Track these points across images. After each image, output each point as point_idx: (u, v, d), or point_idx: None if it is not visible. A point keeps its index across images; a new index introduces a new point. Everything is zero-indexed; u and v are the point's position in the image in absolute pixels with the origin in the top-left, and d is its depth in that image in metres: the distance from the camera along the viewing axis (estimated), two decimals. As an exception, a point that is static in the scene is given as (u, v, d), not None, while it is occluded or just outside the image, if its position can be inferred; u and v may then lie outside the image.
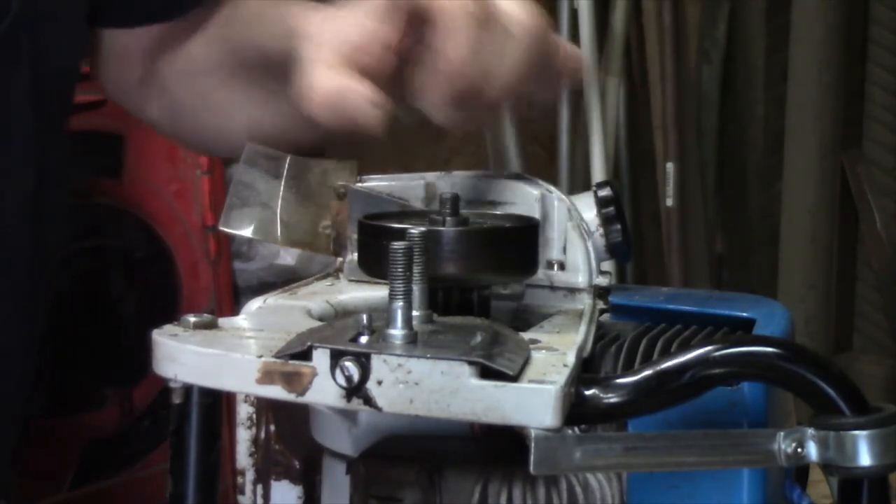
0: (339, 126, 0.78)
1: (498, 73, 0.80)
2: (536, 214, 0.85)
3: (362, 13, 0.81)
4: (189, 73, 1.10)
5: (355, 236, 0.83)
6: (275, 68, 0.95)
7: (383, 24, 0.80)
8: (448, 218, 0.78)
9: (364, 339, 0.65)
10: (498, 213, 0.85)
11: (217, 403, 0.73)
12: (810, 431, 0.66)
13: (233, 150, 1.08)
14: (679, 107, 2.74)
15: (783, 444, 0.66)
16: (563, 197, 0.86)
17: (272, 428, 0.85)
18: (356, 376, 0.63)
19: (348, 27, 0.81)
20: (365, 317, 0.65)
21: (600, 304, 0.86)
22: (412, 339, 0.65)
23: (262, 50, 0.99)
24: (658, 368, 0.66)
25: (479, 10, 0.79)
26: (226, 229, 0.90)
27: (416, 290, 0.68)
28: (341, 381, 0.63)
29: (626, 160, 2.80)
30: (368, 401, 0.63)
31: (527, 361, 0.65)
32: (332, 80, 0.78)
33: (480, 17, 0.79)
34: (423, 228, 0.72)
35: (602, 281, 0.86)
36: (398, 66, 0.81)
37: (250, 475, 0.85)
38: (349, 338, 0.65)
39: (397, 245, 0.67)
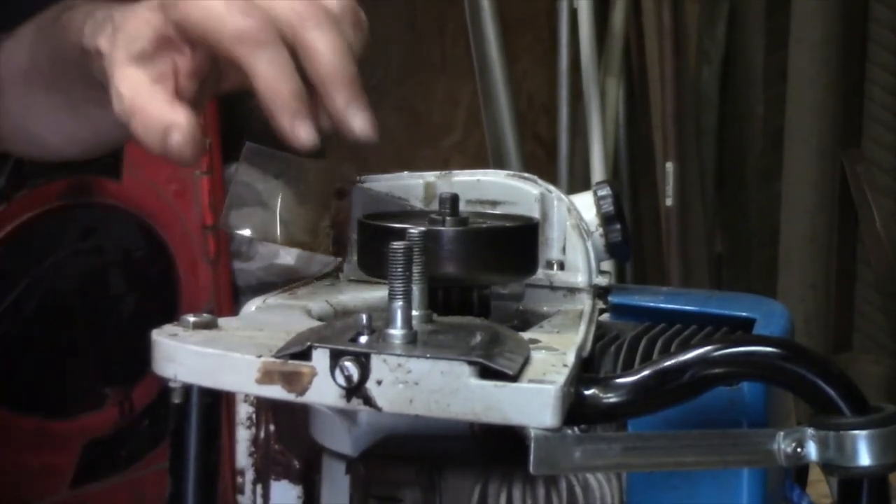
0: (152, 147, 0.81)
1: (323, 71, 0.79)
2: (536, 214, 0.85)
3: (144, 20, 0.82)
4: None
5: (355, 236, 0.83)
6: (73, 79, 0.96)
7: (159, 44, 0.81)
8: (447, 218, 0.78)
9: (364, 339, 0.65)
10: (497, 212, 0.85)
11: (216, 403, 0.73)
12: (810, 431, 0.66)
13: (45, 150, 1.10)
14: (678, 106, 2.74)
15: (783, 444, 0.66)
16: (563, 196, 0.86)
17: (272, 428, 0.85)
18: (356, 376, 0.63)
19: (135, 32, 0.82)
20: (364, 316, 0.65)
21: (600, 304, 0.86)
22: (412, 339, 0.65)
23: (59, 63, 0.99)
24: (658, 368, 0.66)
25: (259, 28, 0.78)
26: (226, 229, 0.90)
27: (416, 289, 0.68)
28: (341, 380, 0.63)
29: (625, 160, 2.80)
30: (368, 400, 0.63)
31: (526, 361, 0.65)
32: (143, 105, 0.80)
33: (264, 36, 0.78)
34: (422, 228, 0.72)
35: (602, 280, 0.86)
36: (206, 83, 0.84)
37: (250, 475, 0.85)
38: (349, 337, 0.65)
39: (397, 245, 0.67)
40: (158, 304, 2.11)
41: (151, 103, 0.81)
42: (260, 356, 0.65)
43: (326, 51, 0.79)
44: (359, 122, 0.80)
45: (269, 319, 0.76)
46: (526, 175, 0.87)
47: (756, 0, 2.97)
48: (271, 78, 0.79)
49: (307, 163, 0.90)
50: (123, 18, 0.86)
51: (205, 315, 0.72)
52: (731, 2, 3.00)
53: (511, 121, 2.61)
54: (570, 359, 0.66)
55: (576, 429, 0.67)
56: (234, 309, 1.97)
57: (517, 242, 0.80)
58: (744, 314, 0.85)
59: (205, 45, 0.80)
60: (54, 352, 2.01)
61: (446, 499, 0.75)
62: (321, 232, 0.89)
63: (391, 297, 0.65)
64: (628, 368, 0.74)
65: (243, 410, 0.85)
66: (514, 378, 0.63)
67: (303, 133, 0.80)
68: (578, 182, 2.64)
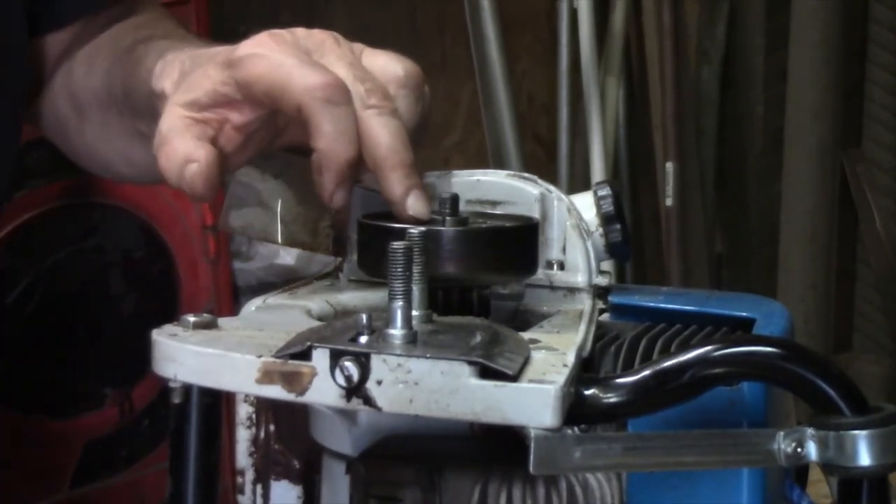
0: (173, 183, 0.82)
1: (381, 156, 0.80)
2: (536, 214, 0.85)
3: (213, 79, 0.82)
4: (73, 95, 1.12)
5: (355, 236, 0.83)
6: (141, 112, 0.98)
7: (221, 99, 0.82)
8: (447, 218, 0.78)
9: (364, 339, 0.65)
10: (497, 212, 0.85)
11: (217, 403, 0.73)
12: (810, 431, 0.66)
13: (112, 173, 1.13)
14: (678, 106, 2.74)
15: (783, 444, 0.66)
16: (563, 196, 0.86)
17: (272, 428, 0.85)
18: (356, 376, 0.63)
19: (195, 83, 0.83)
20: (364, 316, 0.65)
21: (600, 304, 0.86)
22: (412, 339, 0.65)
23: (131, 95, 1.00)
24: (658, 368, 0.66)
25: (333, 86, 0.78)
26: (225, 229, 0.90)
27: (416, 289, 0.68)
28: (341, 380, 0.63)
29: (625, 160, 2.80)
30: (368, 400, 0.63)
31: (526, 361, 0.65)
32: (173, 139, 0.81)
33: (335, 96, 0.78)
34: (422, 228, 0.72)
35: (602, 280, 0.86)
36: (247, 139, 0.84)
37: (250, 475, 0.85)
38: (349, 338, 0.65)
39: (397, 245, 0.67)
40: (158, 304, 2.11)
41: (180, 138, 0.81)
42: (260, 356, 0.65)
43: (386, 135, 0.80)
44: (412, 203, 0.80)
45: (269, 319, 0.76)
46: (526, 175, 0.87)
47: (756, 0, 2.98)
48: (332, 138, 0.79)
49: (307, 163, 0.90)
50: (192, 69, 0.87)
51: (205, 315, 0.72)
52: (731, 2, 3.00)
53: (511, 121, 2.62)
54: (570, 359, 0.66)
55: (576, 429, 0.67)
56: (234, 309, 1.98)
57: (517, 242, 0.80)
58: (744, 314, 0.85)
59: (269, 100, 0.80)
60: (54, 352, 2.01)
61: (446, 499, 0.75)
62: (321, 232, 0.89)
63: (391, 297, 0.65)
64: (628, 368, 0.74)
65: (243, 410, 0.85)
66: (514, 378, 0.63)
67: (339, 198, 0.81)
68: (578, 182, 2.64)
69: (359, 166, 0.80)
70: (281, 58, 0.80)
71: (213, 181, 0.81)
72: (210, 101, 0.82)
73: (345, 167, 0.79)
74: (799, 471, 0.82)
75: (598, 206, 0.88)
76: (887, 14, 3.01)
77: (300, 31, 0.84)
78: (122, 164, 1.11)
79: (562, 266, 0.86)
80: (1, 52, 1.09)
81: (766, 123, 3.02)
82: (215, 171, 0.81)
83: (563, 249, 0.86)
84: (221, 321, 0.73)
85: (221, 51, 0.85)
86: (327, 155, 0.79)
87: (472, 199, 0.86)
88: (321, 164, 0.80)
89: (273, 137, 0.88)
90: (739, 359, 0.67)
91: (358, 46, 0.85)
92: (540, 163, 2.89)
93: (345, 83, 0.80)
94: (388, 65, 0.84)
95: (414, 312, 0.67)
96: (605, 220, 0.88)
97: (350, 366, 0.63)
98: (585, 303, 0.84)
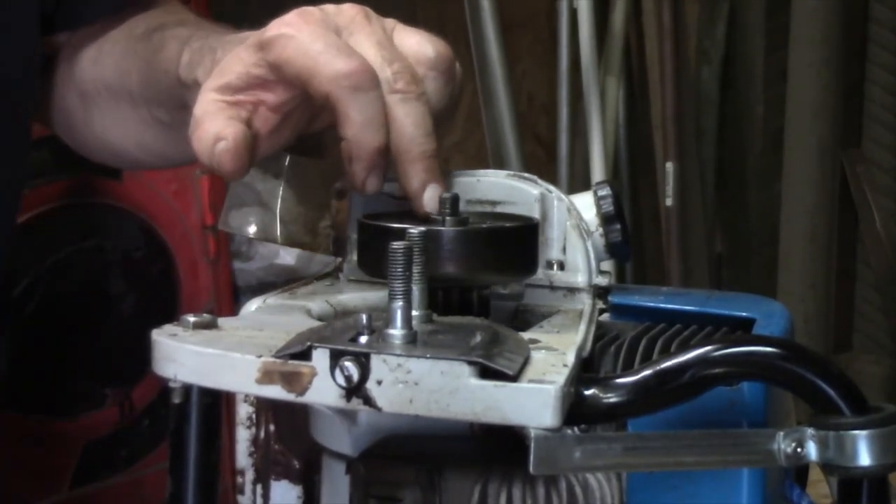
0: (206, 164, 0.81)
1: (403, 145, 0.79)
2: (536, 214, 0.85)
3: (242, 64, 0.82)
4: (78, 84, 1.12)
5: (355, 236, 0.83)
6: (161, 101, 0.97)
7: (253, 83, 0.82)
8: (447, 218, 0.78)
9: (364, 339, 0.65)
10: (497, 212, 0.85)
11: (216, 403, 0.73)
12: (810, 431, 0.66)
13: (125, 161, 1.13)
14: (678, 106, 2.74)
15: (783, 444, 0.66)
16: (563, 196, 0.86)
17: (272, 428, 0.85)
18: (356, 376, 0.63)
19: (227, 67, 0.82)
20: (364, 316, 0.65)
21: (600, 304, 0.86)
22: (412, 339, 0.65)
23: (150, 84, 1.00)
24: (658, 368, 0.66)
25: (359, 73, 0.78)
26: (225, 229, 0.90)
27: (416, 289, 0.68)
28: (341, 380, 0.63)
29: (625, 160, 2.80)
30: (368, 401, 0.63)
31: (526, 361, 0.65)
32: (205, 121, 0.81)
33: (363, 82, 0.78)
34: (422, 228, 0.72)
35: (602, 280, 0.86)
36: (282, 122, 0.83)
37: (250, 475, 0.85)
38: (349, 338, 0.65)
39: (397, 245, 0.67)
40: (158, 304, 2.11)
41: (212, 119, 0.81)
42: (260, 356, 0.65)
43: (409, 124, 0.79)
44: (428, 199, 0.80)
45: (269, 319, 0.76)
46: (526, 175, 0.87)
47: (756, 0, 2.98)
48: (360, 126, 0.78)
49: (307, 163, 0.90)
50: (224, 54, 0.87)
51: (205, 315, 0.72)
52: (731, 2, 3.00)
53: (511, 121, 2.61)
54: (570, 359, 0.66)
55: (576, 429, 0.67)
56: (234, 309, 1.97)
57: (517, 242, 0.80)
58: (744, 314, 0.85)
59: (299, 83, 0.80)
60: (54, 352, 2.01)
61: (446, 499, 0.75)
62: (321, 232, 0.89)
63: (391, 297, 0.65)
64: (628, 368, 0.74)
65: (243, 410, 0.85)
66: (514, 378, 0.63)
67: (371, 185, 0.80)
68: (578, 182, 2.64)
69: (389, 152, 0.80)
70: (308, 41, 0.79)
71: (241, 158, 0.80)
72: (243, 84, 0.82)
73: (375, 155, 0.79)
74: (799, 471, 0.82)
75: (598, 206, 0.88)
76: (887, 14, 3.01)
77: (330, 8, 0.83)
78: (135, 151, 1.10)
79: (562, 266, 0.86)
80: (12, 57, 1.09)
81: (766, 123, 3.02)
82: (243, 148, 0.80)
83: (563, 249, 0.86)
84: (221, 321, 0.73)
85: (251, 33, 0.85)
86: (357, 143, 0.79)
87: (472, 199, 0.86)
88: (351, 152, 0.79)
89: (311, 118, 0.87)
90: (739, 359, 0.67)
91: (390, 22, 0.84)
92: (540, 163, 2.89)
93: (372, 68, 0.79)
94: (419, 45, 0.83)
95: (414, 312, 0.67)
96: (605, 220, 0.88)
97: (350, 366, 0.63)
98: (585, 303, 0.84)
